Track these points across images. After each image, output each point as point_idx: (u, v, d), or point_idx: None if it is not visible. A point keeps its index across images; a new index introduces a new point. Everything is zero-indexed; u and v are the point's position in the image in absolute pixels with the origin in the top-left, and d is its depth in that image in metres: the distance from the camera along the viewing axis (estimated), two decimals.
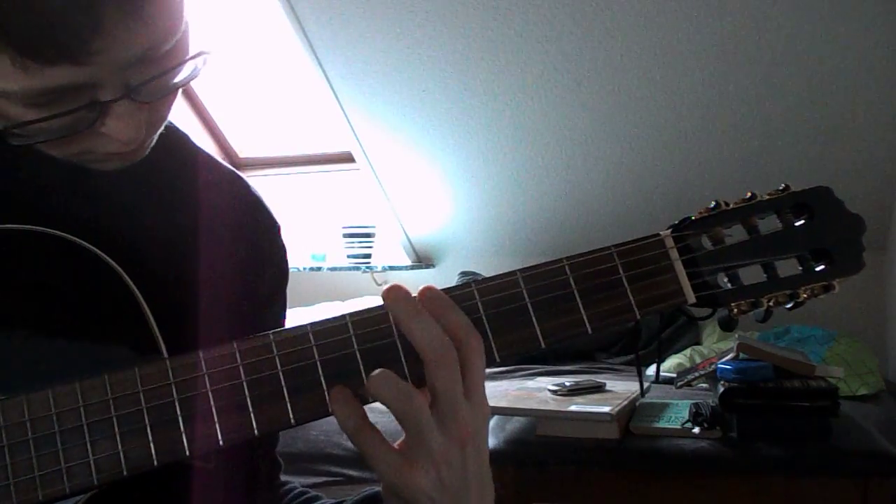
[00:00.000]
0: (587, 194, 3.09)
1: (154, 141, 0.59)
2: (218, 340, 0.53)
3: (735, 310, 0.56)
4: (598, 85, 2.68)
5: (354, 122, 3.02)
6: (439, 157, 3.10)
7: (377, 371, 0.51)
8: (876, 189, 2.68)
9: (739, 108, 2.66)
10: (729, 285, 0.57)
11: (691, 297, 0.55)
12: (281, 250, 0.78)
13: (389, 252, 3.59)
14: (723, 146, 2.78)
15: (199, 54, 0.55)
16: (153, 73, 0.52)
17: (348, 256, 3.47)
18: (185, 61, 0.54)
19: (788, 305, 0.57)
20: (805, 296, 0.56)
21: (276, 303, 0.78)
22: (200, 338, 0.58)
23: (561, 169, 3.04)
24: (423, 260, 3.59)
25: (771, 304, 0.57)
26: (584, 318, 0.54)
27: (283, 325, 0.78)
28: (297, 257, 3.54)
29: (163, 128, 0.59)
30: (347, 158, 3.36)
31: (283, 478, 0.78)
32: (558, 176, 3.07)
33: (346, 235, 3.44)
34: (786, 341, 2.49)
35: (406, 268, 3.54)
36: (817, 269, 0.56)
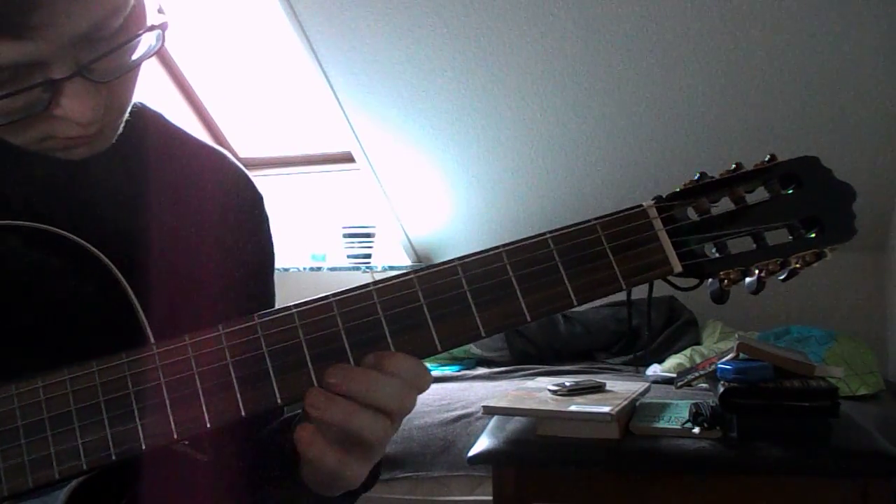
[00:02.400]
0: (587, 193, 3.09)
1: (121, 127, 0.58)
2: (209, 318, 0.53)
3: (725, 280, 0.55)
4: (599, 85, 2.68)
5: (354, 122, 3.02)
6: (439, 156, 3.10)
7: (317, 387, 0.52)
8: (876, 189, 2.68)
9: (739, 111, 2.66)
10: (717, 255, 0.55)
11: (677, 267, 0.54)
12: (265, 220, 0.78)
13: (389, 252, 3.59)
14: (722, 148, 2.78)
15: (151, 28, 0.54)
16: (105, 49, 0.51)
17: (348, 256, 3.47)
18: (137, 36, 0.53)
19: (782, 276, 0.56)
20: (797, 265, 0.55)
21: (266, 274, 0.77)
22: (191, 316, 0.58)
23: (561, 168, 3.04)
24: (423, 260, 3.59)
25: (762, 273, 0.55)
26: (570, 290, 0.54)
27: (274, 296, 0.78)
28: (297, 257, 3.55)
29: (128, 113, 0.59)
30: (347, 158, 3.37)
31: None
32: (558, 175, 3.07)
33: (346, 235, 3.44)
34: (786, 341, 2.49)
35: (406, 268, 3.54)
36: (808, 236, 0.55)
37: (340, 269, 3.52)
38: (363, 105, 2.95)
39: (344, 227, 3.45)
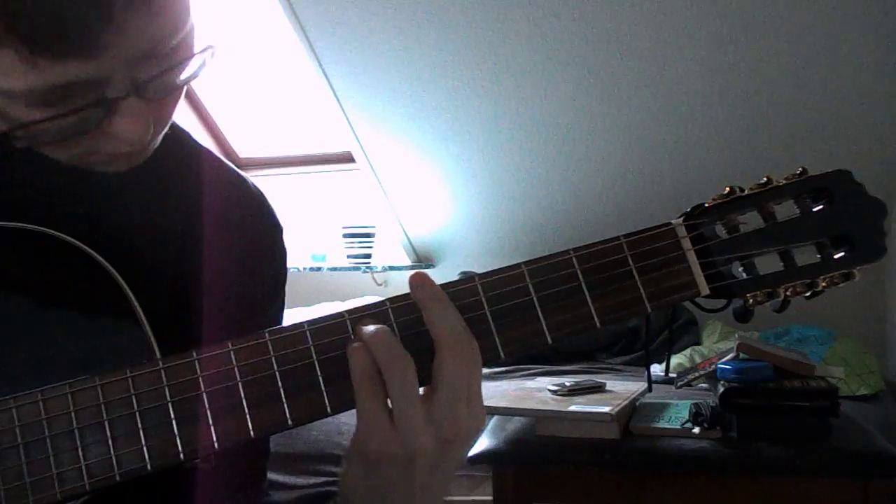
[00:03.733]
0: (588, 193, 3.09)
1: (158, 141, 0.58)
2: (212, 340, 0.52)
3: (751, 301, 0.54)
4: (599, 84, 2.68)
5: (354, 122, 3.02)
6: (439, 157, 3.10)
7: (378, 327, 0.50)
8: (876, 189, 2.67)
9: (739, 111, 2.66)
10: (744, 275, 0.54)
11: (705, 289, 0.53)
12: (281, 251, 0.77)
13: (389, 252, 3.59)
14: (722, 148, 2.78)
15: (205, 49, 0.54)
16: (160, 68, 0.50)
17: (348, 256, 3.47)
18: (192, 56, 0.53)
19: (806, 295, 0.54)
20: (824, 285, 0.54)
21: (275, 304, 0.77)
22: (195, 337, 0.57)
23: (562, 167, 3.04)
24: (423, 260, 3.59)
25: (788, 293, 0.54)
26: (593, 311, 0.52)
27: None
28: (297, 257, 3.54)
29: (167, 128, 0.58)
30: (347, 158, 3.36)
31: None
32: (559, 174, 3.07)
33: (346, 235, 3.43)
34: (786, 341, 2.49)
35: (406, 268, 3.54)
36: (836, 256, 0.54)
37: (340, 269, 3.52)
38: (363, 105, 2.95)
39: (344, 227, 3.45)
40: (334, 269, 3.53)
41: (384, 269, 3.55)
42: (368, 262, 3.48)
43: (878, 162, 2.66)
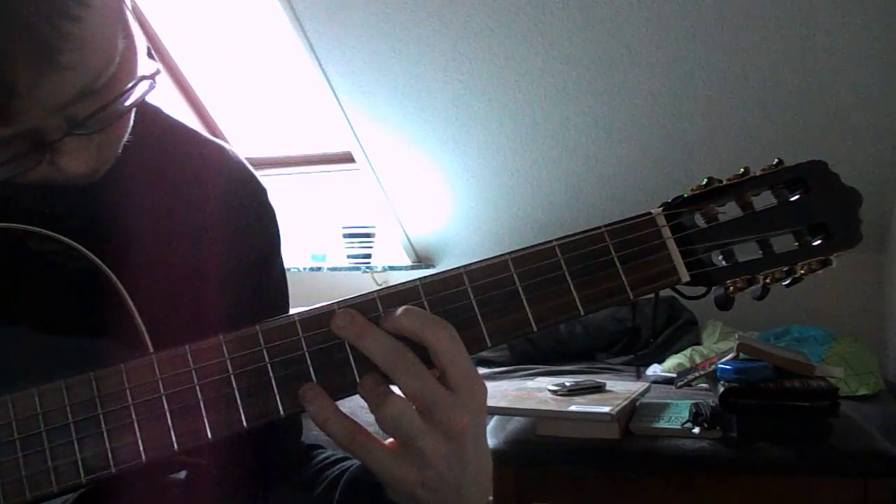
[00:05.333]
0: (588, 192, 3.09)
1: (119, 151, 0.57)
2: (211, 313, 0.52)
3: (731, 287, 0.55)
4: (598, 84, 2.68)
5: (354, 122, 3.02)
6: (439, 156, 3.10)
7: (368, 377, 0.51)
8: (876, 189, 2.68)
9: (738, 111, 2.66)
10: (724, 263, 0.55)
11: (685, 276, 0.54)
12: (269, 213, 0.76)
13: (389, 252, 3.59)
14: (722, 148, 2.78)
15: (141, 79, 0.53)
16: (96, 105, 0.50)
17: (348, 256, 3.47)
18: (129, 90, 0.52)
19: (786, 282, 0.56)
20: (802, 271, 0.55)
21: (274, 268, 0.76)
22: (193, 312, 0.57)
23: (561, 167, 3.04)
24: (423, 260, 3.59)
25: (767, 280, 0.55)
26: (577, 300, 0.53)
27: (286, 293, 0.76)
28: (297, 257, 3.55)
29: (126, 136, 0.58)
30: (347, 158, 3.37)
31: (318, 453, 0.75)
32: (559, 174, 3.07)
33: (346, 235, 3.44)
34: (786, 341, 2.49)
35: (406, 268, 3.54)
36: (814, 243, 0.55)
37: (340, 269, 3.52)
38: (363, 105, 2.95)
39: (344, 227, 3.45)
40: (334, 269, 3.53)
41: (384, 269, 3.55)
42: (368, 262, 3.48)
43: (880, 161, 2.66)
